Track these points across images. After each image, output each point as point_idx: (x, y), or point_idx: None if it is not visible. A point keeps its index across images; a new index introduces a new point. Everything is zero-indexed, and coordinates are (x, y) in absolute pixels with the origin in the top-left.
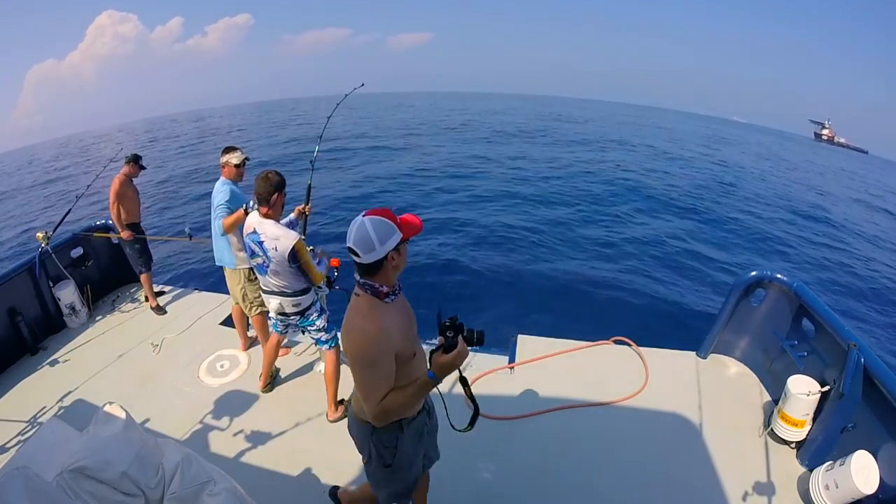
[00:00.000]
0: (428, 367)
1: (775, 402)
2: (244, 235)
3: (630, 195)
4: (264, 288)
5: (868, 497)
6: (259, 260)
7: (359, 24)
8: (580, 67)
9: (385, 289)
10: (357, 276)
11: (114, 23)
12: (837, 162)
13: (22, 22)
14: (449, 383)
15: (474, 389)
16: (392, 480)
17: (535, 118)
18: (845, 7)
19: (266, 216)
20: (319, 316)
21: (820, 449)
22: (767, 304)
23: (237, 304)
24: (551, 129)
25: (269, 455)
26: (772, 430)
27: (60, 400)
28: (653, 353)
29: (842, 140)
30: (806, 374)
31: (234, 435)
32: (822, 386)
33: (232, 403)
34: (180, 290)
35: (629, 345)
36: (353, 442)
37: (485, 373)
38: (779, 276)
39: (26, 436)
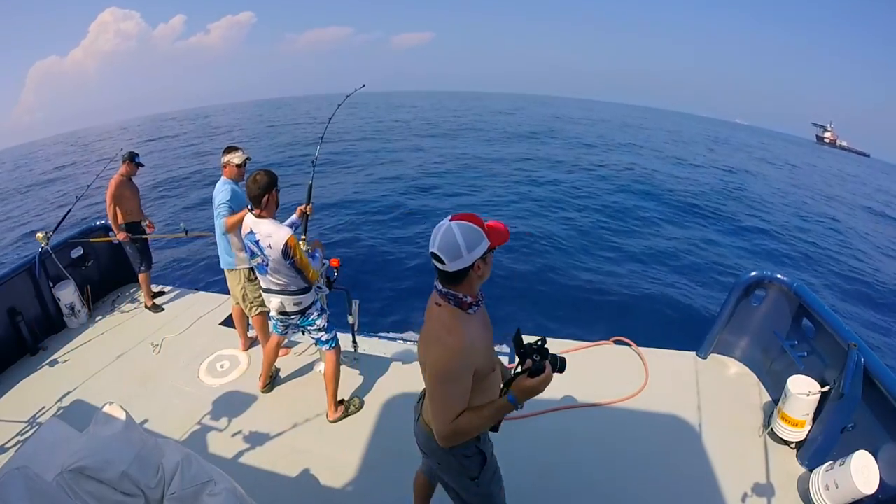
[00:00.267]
0: (504, 389)
1: (775, 402)
2: (242, 236)
3: (633, 196)
4: (265, 287)
5: (868, 497)
6: (259, 259)
7: (361, 23)
8: (580, 67)
9: (469, 299)
10: (438, 285)
11: (116, 20)
12: (841, 166)
13: (25, 18)
14: None
15: None
16: (487, 496)
17: (536, 119)
18: (845, 9)
19: (260, 216)
20: (320, 315)
21: (820, 449)
22: (767, 304)
23: (237, 304)
24: (556, 130)
25: (269, 455)
26: (772, 430)
27: (60, 400)
28: (653, 354)
29: (844, 143)
30: (806, 374)
31: (234, 435)
32: (822, 386)
33: (232, 403)
34: (180, 290)
35: (629, 345)
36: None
37: None
38: (779, 276)
39: (26, 436)
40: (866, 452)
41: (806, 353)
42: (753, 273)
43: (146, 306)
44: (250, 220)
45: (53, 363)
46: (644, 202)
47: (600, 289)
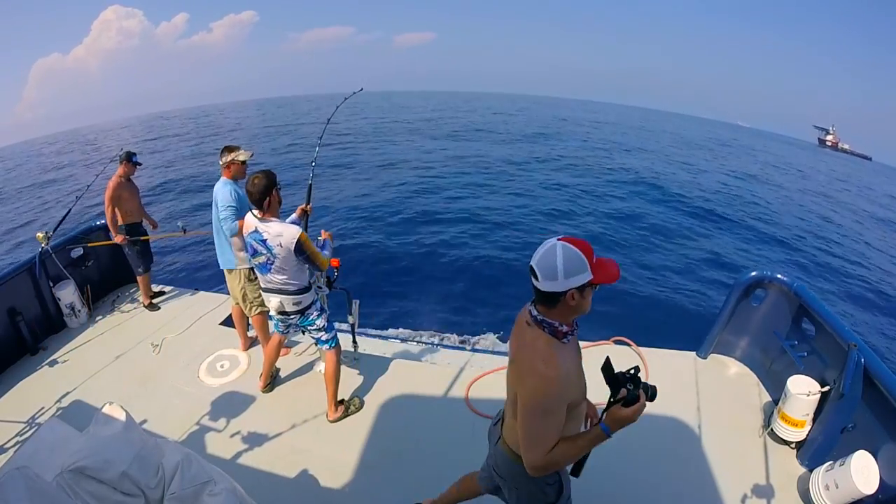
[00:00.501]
0: (593, 418)
1: (775, 402)
2: (245, 235)
3: (637, 198)
4: (265, 287)
5: (868, 497)
6: (262, 258)
7: (362, 22)
8: (580, 68)
9: (564, 328)
10: (531, 307)
11: (119, 18)
12: (846, 170)
13: (28, 16)
14: (444, 388)
15: (474, 390)
16: None
17: (540, 120)
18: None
19: (265, 218)
20: (319, 315)
21: (820, 449)
22: (767, 305)
23: (237, 304)
24: (560, 132)
25: (269, 455)
26: (772, 430)
27: (60, 400)
28: (653, 354)
29: (846, 146)
30: (806, 375)
31: (234, 435)
32: (822, 386)
33: (232, 403)
34: (180, 290)
35: (629, 345)
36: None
37: (485, 373)
38: (779, 276)
39: (26, 436)
40: (866, 452)
41: (806, 353)
42: (753, 273)
43: (143, 305)
44: (253, 220)
45: (53, 363)
46: (649, 205)
47: (600, 289)
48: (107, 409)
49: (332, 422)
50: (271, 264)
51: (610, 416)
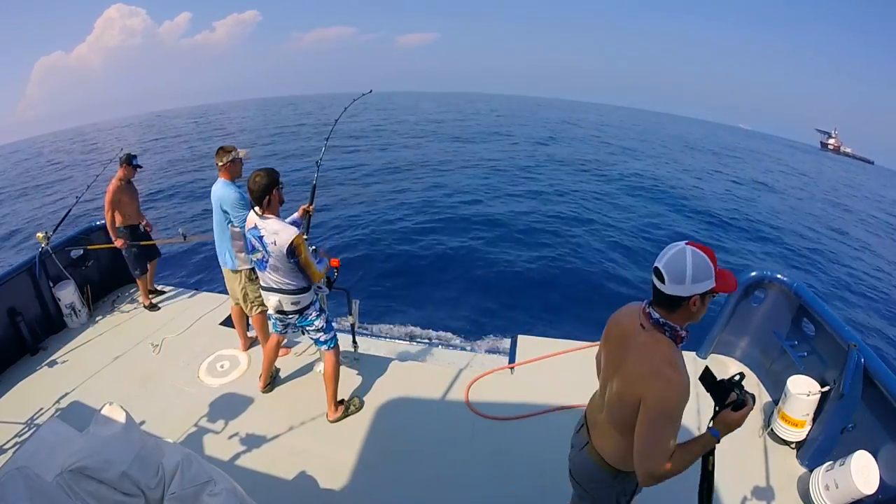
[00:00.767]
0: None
1: (775, 402)
2: (245, 231)
3: (641, 201)
4: (264, 285)
5: (868, 497)
6: (259, 255)
7: (365, 23)
8: (581, 70)
9: (684, 333)
10: (650, 309)
11: (122, 16)
12: (850, 175)
13: (31, 14)
14: (444, 388)
15: (474, 390)
16: None
17: (542, 122)
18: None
19: (265, 216)
20: (318, 316)
21: (820, 449)
22: (767, 305)
23: (237, 304)
24: (562, 134)
25: (269, 455)
26: (772, 430)
27: (60, 400)
28: None
29: (848, 150)
30: (806, 375)
31: (234, 435)
32: (822, 386)
33: (232, 404)
34: (180, 290)
35: None
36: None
37: (485, 373)
38: (779, 276)
39: (26, 436)
40: (866, 452)
41: (806, 354)
42: (753, 273)
43: (144, 305)
44: (254, 217)
45: (53, 363)
46: (652, 206)
47: (601, 289)
48: (106, 410)
49: (331, 422)
50: (266, 262)
51: (721, 421)
